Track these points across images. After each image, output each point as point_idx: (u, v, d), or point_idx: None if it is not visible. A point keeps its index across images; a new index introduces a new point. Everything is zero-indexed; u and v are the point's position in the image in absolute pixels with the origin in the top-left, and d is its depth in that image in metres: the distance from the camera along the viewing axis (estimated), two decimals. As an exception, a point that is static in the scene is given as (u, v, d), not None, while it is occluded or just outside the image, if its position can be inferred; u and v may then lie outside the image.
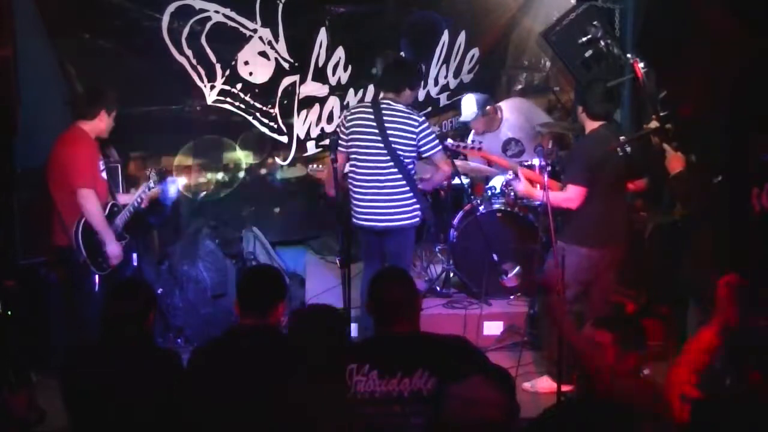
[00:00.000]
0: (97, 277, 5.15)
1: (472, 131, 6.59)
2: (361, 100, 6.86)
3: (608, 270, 5.10)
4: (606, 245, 4.97)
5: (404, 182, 5.20)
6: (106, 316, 3.54)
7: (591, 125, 4.98)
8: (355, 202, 5.27)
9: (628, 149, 4.98)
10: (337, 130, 5.41)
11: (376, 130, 5.13)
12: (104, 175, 5.26)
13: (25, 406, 3.21)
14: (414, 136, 5.14)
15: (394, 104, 5.20)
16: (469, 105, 6.48)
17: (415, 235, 5.48)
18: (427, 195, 5.59)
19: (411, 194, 5.23)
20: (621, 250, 5.09)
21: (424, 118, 5.30)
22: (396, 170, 5.16)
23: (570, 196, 4.86)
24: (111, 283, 5.16)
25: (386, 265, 5.26)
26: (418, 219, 5.30)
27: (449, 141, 5.84)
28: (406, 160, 5.19)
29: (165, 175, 5.55)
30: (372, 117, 5.16)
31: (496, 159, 5.95)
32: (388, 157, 5.14)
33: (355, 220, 5.29)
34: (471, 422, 2.57)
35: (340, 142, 5.23)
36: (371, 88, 6.88)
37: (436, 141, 5.25)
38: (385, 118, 5.14)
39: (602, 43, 6.41)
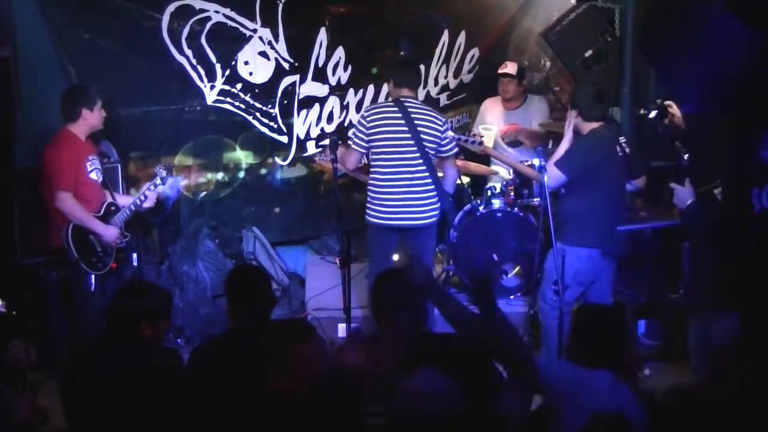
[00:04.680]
0: (93, 276, 5.15)
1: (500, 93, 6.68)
2: (362, 100, 6.85)
3: (608, 270, 5.10)
4: (607, 245, 4.98)
5: (431, 180, 5.27)
6: (116, 310, 3.52)
7: (588, 126, 4.98)
8: (380, 201, 5.28)
9: (627, 150, 4.99)
10: (357, 127, 5.38)
11: (406, 129, 5.17)
12: (95, 175, 5.22)
13: (29, 409, 3.21)
14: (439, 134, 5.24)
15: (417, 103, 5.31)
16: (512, 65, 6.63)
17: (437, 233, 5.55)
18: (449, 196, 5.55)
19: (435, 192, 5.30)
20: (621, 251, 5.10)
21: (445, 117, 5.41)
22: (425, 168, 5.22)
23: (551, 174, 4.86)
24: (109, 282, 5.18)
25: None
26: (438, 216, 5.37)
27: (450, 134, 5.84)
28: (433, 159, 5.27)
29: (171, 173, 5.51)
30: (400, 116, 5.19)
31: (496, 155, 5.94)
32: (418, 155, 5.19)
33: (377, 220, 5.29)
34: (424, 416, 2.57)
35: (357, 141, 5.24)
36: (371, 88, 6.88)
37: (455, 142, 5.38)
38: (413, 116, 5.19)
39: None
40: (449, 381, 2.66)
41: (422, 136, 5.19)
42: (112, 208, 5.29)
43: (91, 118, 5.17)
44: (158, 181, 5.36)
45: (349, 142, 5.47)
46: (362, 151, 5.32)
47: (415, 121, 5.19)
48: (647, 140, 5.79)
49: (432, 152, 5.26)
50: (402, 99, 5.30)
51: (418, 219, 5.28)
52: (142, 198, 5.33)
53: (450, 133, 5.35)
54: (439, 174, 5.46)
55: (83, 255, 5.11)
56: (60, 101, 5.25)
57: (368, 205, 5.34)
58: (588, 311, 3.62)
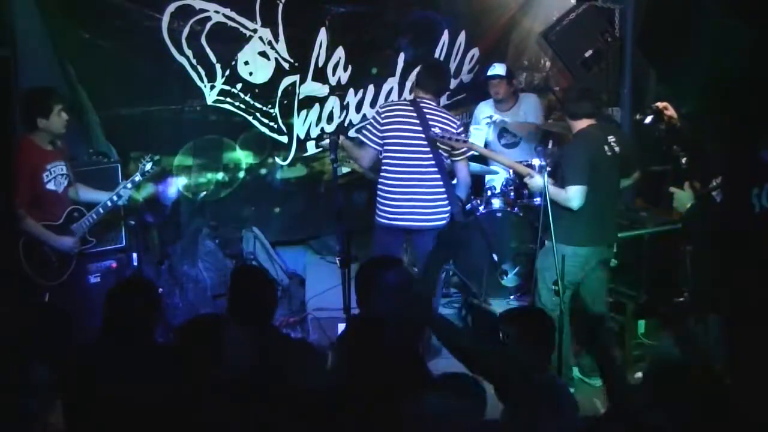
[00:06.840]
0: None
1: (491, 100, 6.67)
2: (362, 100, 6.86)
3: (598, 270, 5.08)
4: (594, 244, 4.96)
5: (441, 183, 5.21)
6: (111, 311, 3.52)
7: (577, 125, 4.98)
8: (388, 200, 5.23)
9: (617, 149, 4.98)
10: (371, 122, 5.37)
11: (420, 129, 5.13)
12: (53, 185, 4.88)
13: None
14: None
15: (434, 105, 5.25)
16: (500, 67, 6.58)
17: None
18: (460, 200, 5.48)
19: (446, 195, 5.23)
20: (611, 250, 5.08)
21: (460, 122, 5.37)
22: (436, 170, 5.18)
23: (570, 195, 4.84)
24: (109, 282, 5.15)
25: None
26: (447, 220, 5.28)
27: (436, 130, 5.84)
28: (446, 162, 5.22)
29: (158, 165, 5.21)
30: (414, 115, 5.16)
31: (486, 152, 5.92)
32: (430, 155, 5.15)
33: (384, 220, 5.24)
34: None
35: (370, 136, 5.21)
36: (371, 88, 6.89)
37: (466, 147, 5.28)
38: (428, 117, 5.15)
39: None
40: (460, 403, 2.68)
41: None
42: (75, 214, 5.02)
43: (47, 125, 4.87)
44: (137, 177, 5.10)
45: (361, 137, 5.43)
46: (374, 147, 5.23)
47: (430, 122, 5.14)
48: (645, 144, 5.79)
49: (445, 155, 5.21)
50: (418, 99, 5.27)
51: (425, 221, 5.21)
52: (115, 199, 5.08)
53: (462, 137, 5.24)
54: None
55: (35, 267, 4.83)
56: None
57: (377, 203, 5.29)
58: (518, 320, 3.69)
